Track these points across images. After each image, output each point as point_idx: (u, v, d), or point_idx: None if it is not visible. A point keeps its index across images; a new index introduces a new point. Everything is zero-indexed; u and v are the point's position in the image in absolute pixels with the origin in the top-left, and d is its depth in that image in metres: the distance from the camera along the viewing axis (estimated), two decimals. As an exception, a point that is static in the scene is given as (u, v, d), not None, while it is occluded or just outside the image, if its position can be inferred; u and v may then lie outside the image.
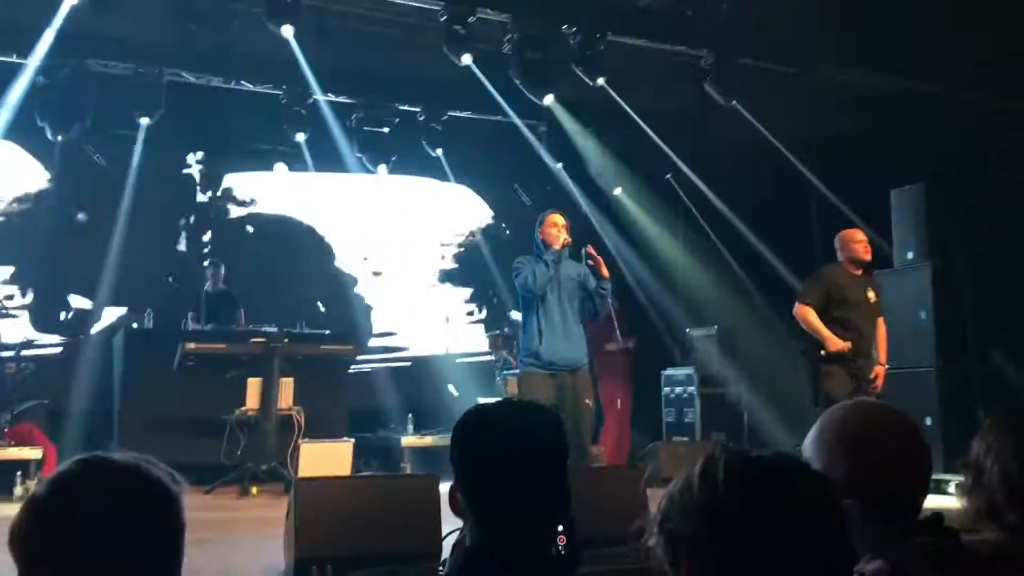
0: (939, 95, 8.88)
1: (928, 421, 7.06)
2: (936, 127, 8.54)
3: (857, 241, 6.10)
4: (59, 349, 9.19)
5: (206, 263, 9.40)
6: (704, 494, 1.16)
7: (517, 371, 5.67)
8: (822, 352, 5.89)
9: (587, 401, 5.62)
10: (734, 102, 8.92)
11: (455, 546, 1.96)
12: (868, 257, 6.09)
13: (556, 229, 5.60)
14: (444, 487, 4.42)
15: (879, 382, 5.91)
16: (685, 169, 10.17)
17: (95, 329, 9.50)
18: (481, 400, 8.43)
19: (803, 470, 1.19)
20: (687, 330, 9.91)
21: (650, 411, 9.45)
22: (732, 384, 9.06)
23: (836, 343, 5.81)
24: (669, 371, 9.48)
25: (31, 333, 8.37)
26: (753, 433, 8.68)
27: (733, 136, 9.43)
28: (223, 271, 9.14)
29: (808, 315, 5.96)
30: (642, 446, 8.73)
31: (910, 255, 7.65)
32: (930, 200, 7.64)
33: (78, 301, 9.52)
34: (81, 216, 9.42)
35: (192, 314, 8.97)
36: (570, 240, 5.62)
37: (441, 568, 3.85)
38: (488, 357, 10.00)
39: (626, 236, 10.38)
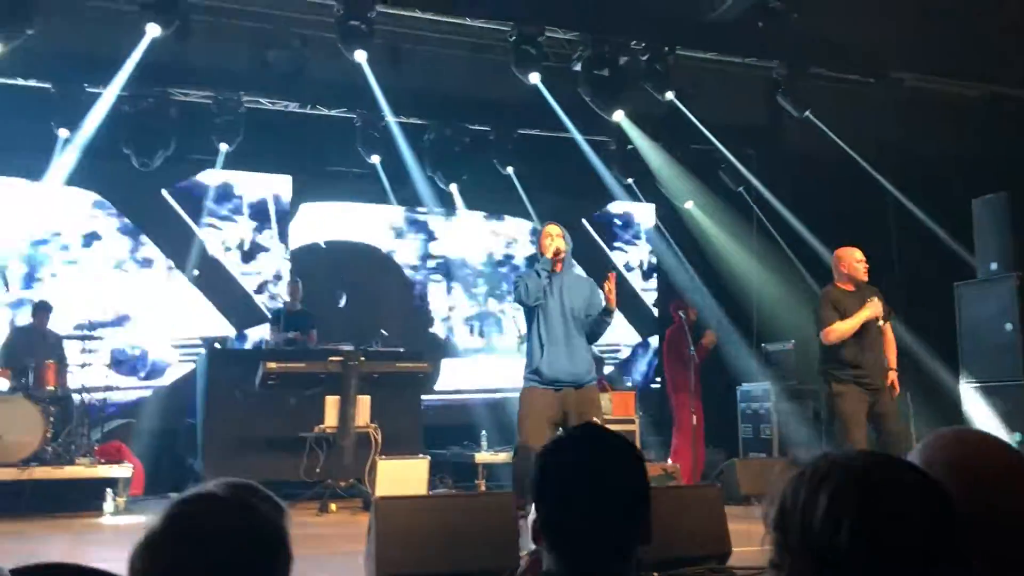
0: (1022, 101, 8.65)
1: (1017, 436, 6.83)
2: (1019, 133, 8.30)
3: (858, 260, 6.08)
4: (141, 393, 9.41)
5: (287, 280, 9.60)
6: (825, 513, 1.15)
7: (526, 383, 5.32)
8: (833, 372, 5.90)
9: (595, 419, 5.24)
10: (807, 113, 8.81)
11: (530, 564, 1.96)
12: (866, 278, 6.07)
13: (549, 239, 5.40)
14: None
15: (896, 388, 5.91)
16: (755, 182, 10.08)
17: (173, 377, 9.73)
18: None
19: (923, 478, 1.19)
20: (763, 345, 9.78)
21: (726, 427, 9.35)
22: (810, 399, 8.91)
23: (871, 309, 5.79)
24: (745, 386, 9.36)
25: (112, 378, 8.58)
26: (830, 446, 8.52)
27: (807, 147, 9.31)
28: (301, 289, 9.34)
29: (837, 326, 5.86)
30: (718, 463, 8.62)
31: (994, 266, 7.43)
32: (1014, 209, 7.42)
33: (155, 345, 9.75)
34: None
35: (272, 328, 9.18)
36: (563, 249, 5.36)
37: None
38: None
39: (698, 249, 10.31)
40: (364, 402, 7.73)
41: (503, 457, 9.12)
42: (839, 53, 8.93)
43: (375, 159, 9.68)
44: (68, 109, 8.48)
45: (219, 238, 10.15)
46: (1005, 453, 1.61)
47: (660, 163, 10.21)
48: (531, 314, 5.39)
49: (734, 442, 9.31)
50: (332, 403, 7.64)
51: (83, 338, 8.04)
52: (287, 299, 9.35)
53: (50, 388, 7.71)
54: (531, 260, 5.53)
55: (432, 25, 8.69)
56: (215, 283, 10.03)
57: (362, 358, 7.78)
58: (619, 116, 9.10)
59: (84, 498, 7.32)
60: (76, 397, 7.90)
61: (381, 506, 4.20)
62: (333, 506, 7.35)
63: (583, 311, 5.40)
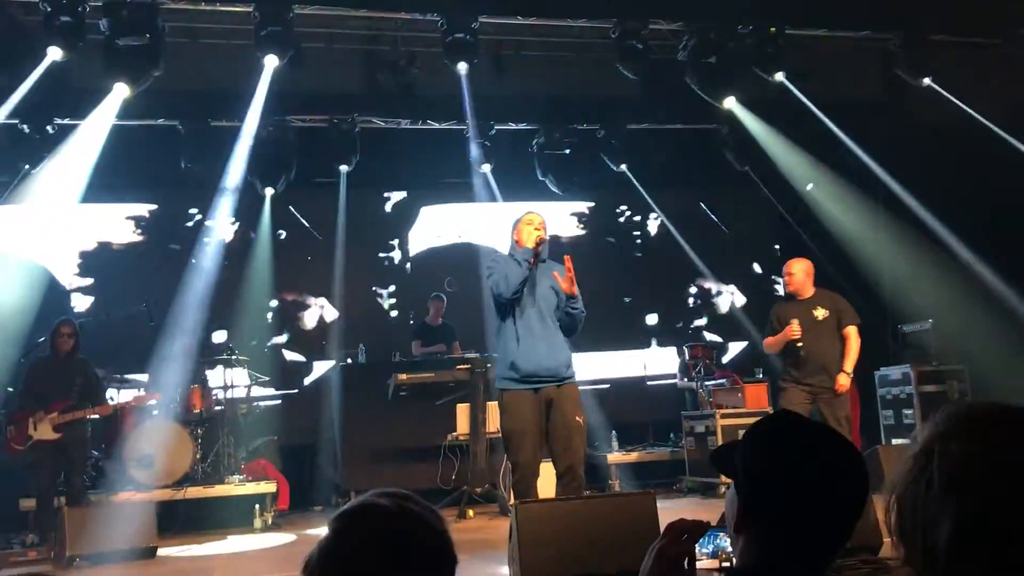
0: None
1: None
2: None
3: (785, 275, 6.81)
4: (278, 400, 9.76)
5: (432, 296, 9.77)
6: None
7: (502, 385, 5.03)
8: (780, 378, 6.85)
9: (577, 418, 5.02)
10: (928, 81, 8.44)
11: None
12: (789, 289, 6.77)
13: (531, 228, 5.06)
14: (661, 504, 4.45)
15: (840, 385, 6.42)
16: (877, 160, 9.69)
17: (308, 381, 10.06)
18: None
19: None
20: (900, 326, 9.39)
21: (866, 413, 9.01)
22: (954, 379, 8.51)
23: (788, 332, 6.44)
24: (883, 370, 9.00)
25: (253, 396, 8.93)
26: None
27: (932, 118, 8.90)
28: (444, 304, 9.52)
29: (768, 342, 6.76)
30: (861, 451, 8.32)
31: None
32: None
33: (292, 362, 10.11)
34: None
35: (416, 344, 9.36)
36: (546, 240, 5.07)
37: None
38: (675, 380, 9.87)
39: (824, 231, 9.97)
40: (493, 408, 7.80)
41: (635, 456, 9.08)
42: (957, 16, 8.51)
43: (486, 168, 9.77)
44: (195, 144, 8.87)
45: (343, 256, 10.43)
46: None
47: (776, 148, 9.93)
48: (506, 307, 5.04)
49: (876, 429, 8.96)
50: (463, 411, 7.77)
51: (224, 362, 8.39)
52: (431, 315, 9.54)
53: (196, 410, 8.10)
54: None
55: (533, 29, 8.72)
56: (339, 298, 10.33)
57: (488, 365, 7.86)
58: (730, 103, 8.91)
59: (234, 515, 7.66)
60: (221, 418, 8.26)
61: (522, 511, 4.23)
62: (471, 512, 7.46)
63: (560, 302, 5.10)
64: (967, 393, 8.50)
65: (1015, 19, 8.44)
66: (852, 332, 6.56)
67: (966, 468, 0.90)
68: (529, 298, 5.00)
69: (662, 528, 4.38)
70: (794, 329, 6.41)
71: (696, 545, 1.75)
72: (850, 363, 6.50)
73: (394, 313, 10.39)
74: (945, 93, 8.48)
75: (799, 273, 6.70)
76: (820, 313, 6.57)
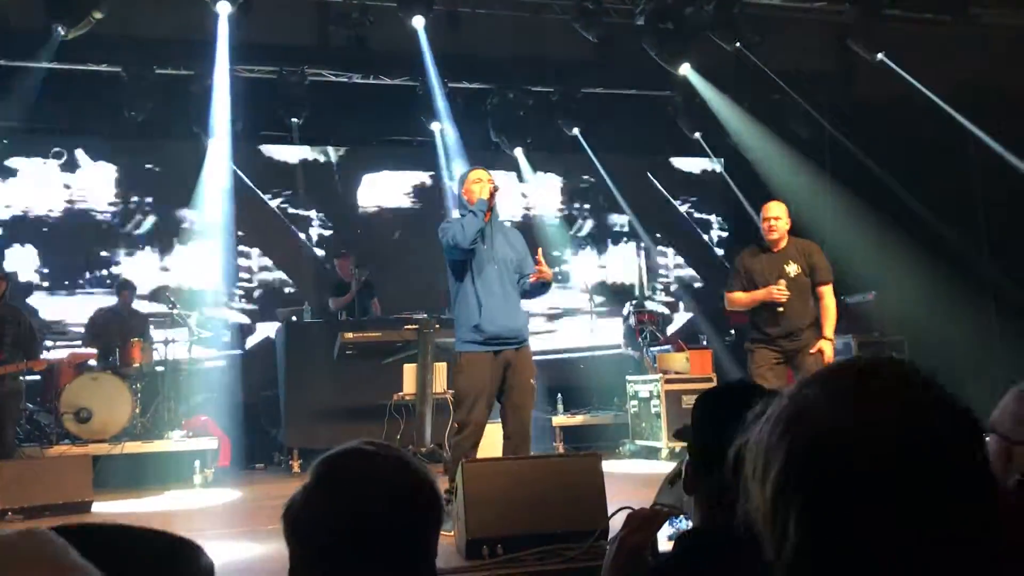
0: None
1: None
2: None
3: (763, 219, 5.83)
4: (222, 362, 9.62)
5: (339, 253, 9.67)
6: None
7: (463, 347, 4.92)
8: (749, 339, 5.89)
9: (532, 381, 5.03)
10: (881, 56, 8.51)
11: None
12: (772, 236, 5.76)
13: (480, 183, 4.93)
14: (605, 465, 4.46)
15: (825, 356, 5.58)
16: (828, 130, 9.79)
17: (251, 343, 9.91)
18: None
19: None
20: (842, 297, 9.53)
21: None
22: (895, 351, 8.68)
23: (772, 292, 5.62)
24: (824, 340, 9.13)
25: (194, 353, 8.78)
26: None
27: (881, 92, 9.00)
28: (351, 261, 9.37)
29: (733, 297, 5.90)
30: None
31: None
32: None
33: (234, 316, 9.94)
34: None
35: (334, 302, 9.25)
36: (499, 187, 4.97)
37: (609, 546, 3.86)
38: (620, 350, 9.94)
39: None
40: (440, 369, 7.77)
41: (579, 420, 9.14)
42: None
43: (436, 127, 9.64)
44: (138, 92, 8.60)
45: (286, 208, 10.27)
46: None
47: (728, 115, 9.98)
48: (462, 265, 4.94)
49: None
50: (409, 371, 7.70)
51: (167, 315, 8.22)
52: (340, 273, 9.41)
53: (136, 365, 7.92)
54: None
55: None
56: (285, 251, 10.18)
57: (437, 326, 7.80)
58: (685, 69, 8.90)
59: (173, 471, 7.54)
60: (161, 371, 8.10)
61: (467, 470, 4.21)
62: (415, 472, 7.44)
63: (517, 265, 5.05)
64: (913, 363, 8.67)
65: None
66: (828, 291, 5.79)
67: (805, 406, 0.87)
68: (488, 256, 4.92)
69: (608, 489, 4.39)
70: (780, 290, 5.62)
71: (657, 532, 1.77)
72: (830, 327, 5.73)
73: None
74: (896, 68, 8.56)
75: (784, 218, 5.80)
76: (793, 268, 5.73)
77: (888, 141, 9.10)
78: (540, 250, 5.00)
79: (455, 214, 5.24)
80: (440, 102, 9.43)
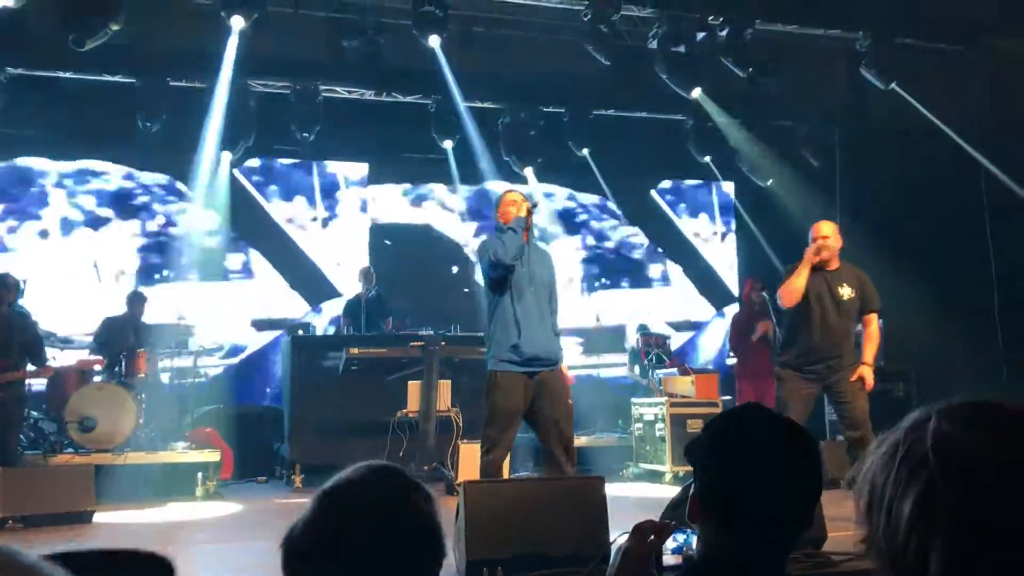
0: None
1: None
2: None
3: (813, 238, 5.60)
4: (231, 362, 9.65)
5: (360, 269, 9.68)
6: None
7: (498, 367, 4.98)
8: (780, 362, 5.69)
9: (568, 401, 5.11)
10: (894, 85, 8.53)
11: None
12: (825, 256, 5.51)
13: (515, 206, 5.00)
14: (609, 488, 4.44)
15: (867, 383, 5.43)
16: (839, 159, 9.80)
17: (260, 364, 9.92)
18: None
19: None
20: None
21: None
22: (899, 378, 8.65)
23: (810, 252, 5.44)
24: (830, 367, 9.10)
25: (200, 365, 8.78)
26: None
27: (893, 121, 9.01)
28: (374, 275, 9.40)
29: (784, 285, 5.53)
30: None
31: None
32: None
33: (242, 332, 9.97)
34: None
35: (344, 321, 9.26)
36: (536, 204, 5.09)
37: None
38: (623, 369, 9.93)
39: (780, 227, 10.06)
40: (445, 386, 7.77)
41: (582, 441, 9.09)
42: (926, 22, 8.61)
43: (448, 144, 9.68)
44: (152, 103, 8.65)
45: (295, 218, 10.32)
46: None
47: (739, 140, 10.00)
48: (501, 285, 4.98)
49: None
50: (414, 388, 7.70)
51: (175, 327, 8.24)
52: (360, 286, 9.40)
53: (141, 375, 7.93)
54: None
55: (505, 7, 8.64)
56: (288, 260, 10.21)
57: (443, 343, 7.81)
58: (697, 93, 8.93)
59: (176, 482, 7.52)
60: (165, 381, 8.11)
61: (470, 490, 4.19)
62: (417, 490, 7.41)
63: (551, 285, 5.15)
64: (912, 394, 8.64)
65: (976, 28, 8.55)
66: (874, 319, 5.64)
67: (946, 446, 0.89)
68: (526, 278, 4.98)
69: (610, 513, 4.38)
70: (813, 249, 5.43)
71: (663, 545, 1.76)
72: (871, 353, 5.57)
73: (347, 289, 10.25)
74: (908, 97, 8.57)
75: (835, 237, 5.57)
76: (847, 291, 5.50)
77: (898, 170, 9.10)
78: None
79: (484, 236, 5.36)
80: (463, 120, 9.48)
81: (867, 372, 5.47)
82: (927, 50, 8.73)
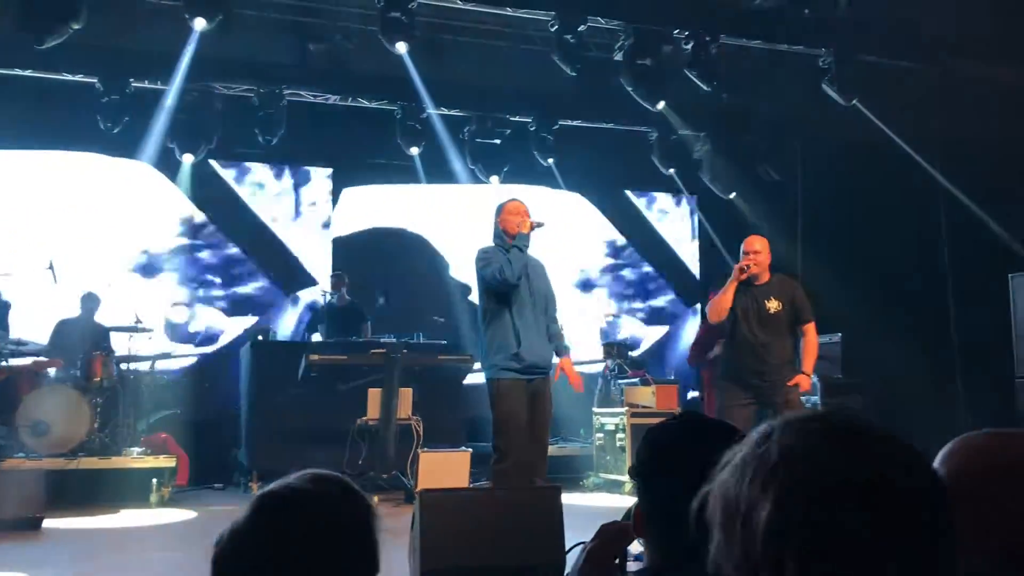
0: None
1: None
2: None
3: (744, 252, 5.73)
4: (191, 361, 9.56)
5: (330, 275, 9.62)
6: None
7: (500, 375, 5.17)
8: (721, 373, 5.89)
9: (551, 410, 5.40)
10: (855, 101, 8.65)
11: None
12: (755, 271, 5.63)
13: (519, 217, 5.18)
14: (567, 499, 4.44)
15: (801, 388, 5.56)
16: (800, 173, 9.91)
17: (223, 342, 9.85)
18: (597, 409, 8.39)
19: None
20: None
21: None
22: (858, 393, 8.75)
23: (735, 272, 5.58)
24: (790, 380, 9.19)
25: (166, 346, 8.72)
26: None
27: (853, 136, 9.13)
28: (347, 281, 9.34)
29: (712, 304, 5.80)
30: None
31: (1050, 257, 7.24)
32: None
33: (208, 314, 9.89)
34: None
35: (311, 328, 9.19)
36: (537, 223, 5.22)
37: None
38: (598, 366, 9.90)
39: (742, 240, 10.15)
40: (406, 394, 7.73)
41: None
42: (888, 40, 8.74)
43: (414, 151, 9.66)
44: (113, 104, 8.55)
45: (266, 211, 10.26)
46: None
47: (703, 153, 10.09)
48: (502, 296, 5.16)
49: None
50: (375, 396, 7.65)
51: (131, 330, 8.12)
52: (331, 292, 9.34)
53: (97, 379, 7.80)
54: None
55: (472, 16, 8.64)
56: (263, 249, 10.18)
57: (404, 350, 7.77)
58: (662, 106, 8.99)
59: (131, 488, 7.40)
60: (123, 388, 7.98)
61: (425, 499, 4.17)
62: (376, 498, 7.36)
63: (547, 295, 5.37)
64: (868, 406, 8.74)
65: (937, 47, 8.70)
66: (811, 328, 5.71)
67: (784, 455, 0.93)
68: (526, 289, 5.17)
69: (569, 523, 4.37)
70: (738, 267, 5.56)
71: (627, 548, 1.75)
72: (810, 363, 5.66)
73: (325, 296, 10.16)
74: (869, 114, 8.70)
75: (764, 252, 5.71)
76: (774, 304, 5.63)
77: (858, 185, 9.23)
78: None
79: (490, 243, 5.44)
80: (431, 126, 9.46)
81: (804, 380, 5.59)
82: (888, 67, 8.86)
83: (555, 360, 5.46)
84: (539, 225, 5.20)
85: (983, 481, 1.50)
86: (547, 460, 5.40)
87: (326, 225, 10.50)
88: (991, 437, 1.57)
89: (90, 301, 8.42)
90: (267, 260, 10.20)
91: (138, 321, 8.20)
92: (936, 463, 1.56)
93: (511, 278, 5.04)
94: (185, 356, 9.46)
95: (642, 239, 11.57)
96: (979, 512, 1.48)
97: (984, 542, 1.46)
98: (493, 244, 5.34)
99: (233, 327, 9.93)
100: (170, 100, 8.47)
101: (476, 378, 9.64)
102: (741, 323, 5.63)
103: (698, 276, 11.70)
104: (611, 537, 1.73)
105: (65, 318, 8.41)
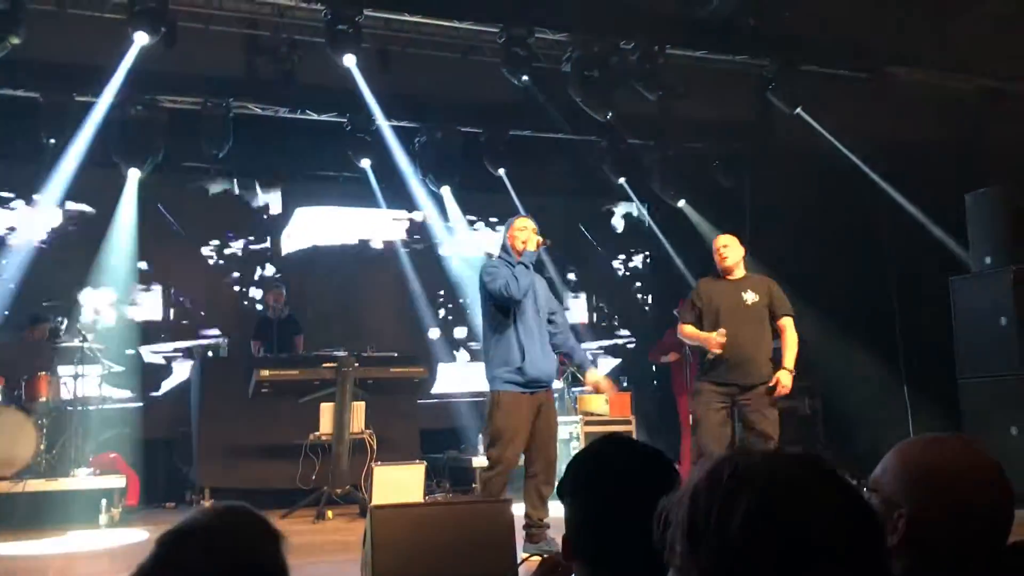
0: (1014, 93, 8.65)
1: (1014, 431, 6.82)
2: (1010, 127, 8.30)
3: (715, 249, 5.91)
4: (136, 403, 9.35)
5: (268, 287, 9.56)
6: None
7: (502, 387, 5.25)
8: (699, 374, 5.81)
9: (556, 420, 5.48)
10: (799, 110, 8.80)
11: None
12: (724, 264, 5.80)
13: (527, 233, 5.32)
14: (516, 509, 4.46)
15: (783, 386, 5.56)
16: (747, 179, 10.06)
17: (168, 387, 9.63)
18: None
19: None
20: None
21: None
22: (806, 396, 8.88)
23: (712, 340, 5.54)
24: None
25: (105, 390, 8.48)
26: (829, 448, 8.48)
27: (798, 144, 9.29)
28: (285, 294, 9.28)
29: (684, 330, 5.84)
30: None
31: (988, 260, 7.42)
32: (1006, 203, 7.39)
33: (149, 355, 9.68)
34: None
35: (255, 343, 9.10)
36: (549, 243, 5.45)
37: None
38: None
39: (692, 248, 10.27)
40: (359, 408, 7.70)
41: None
42: (830, 49, 8.91)
43: (365, 163, 9.63)
44: (57, 119, 8.40)
45: (211, 245, 10.11)
46: (976, 455, 1.59)
47: (652, 162, 10.20)
48: (506, 311, 5.25)
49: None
50: (327, 410, 7.61)
51: (77, 349, 7.97)
52: (271, 305, 9.28)
53: (43, 399, 7.66)
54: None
55: (421, 28, 8.64)
56: (202, 290, 10.00)
57: (356, 364, 7.74)
58: (609, 116, 9.06)
59: (79, 510, 7.26)
60: (70, 408, 7.83)
61: (376, 515, 4.16)
62: (330, 513, 7.32)
63: (551, 309, 5.48)
64: (818, 410, 8.89)
65: (878, 57, 8.88)
66: (790, 324, 5.74)
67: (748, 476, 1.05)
68: (530, 304, 5.27)
69: (517, 534, 4.40)
70: (716, 341, 5.52)
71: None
72: (791, 358, 5.65)
73: (260, 307, 10.08)
74: (812, 121, 8.86)
75: (734, 246, 5.82)
76: (750, 297, 5.68)
77: (805, 192, 9.38)
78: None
79: (493, 257, 5.63)
80: (385, 138, 9.43)
81: (784, 376, 5.57)
82: (830, 76, 9.03)
83: (555, 375, 5.57)
84: (547, 243, 5.38)
85: (913, 486, 1.58)
86: (555, 471, 5.33)
87: (275, 241, 10.40)
88: (925, 444, 1.66)
89: (36, 321, 8.25)
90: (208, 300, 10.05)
91: (84, 340, 8.04)
92: (876, 471, 1.64)
93: (516, 294, 5.13)
94: (127, 401, 9.24)
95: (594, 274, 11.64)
96: (910, 515, 1.55)
97: (911, 544, 1.53)
98: (499, 256, 5.45)
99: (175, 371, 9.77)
100: (101, 114, 8.29)
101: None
102: (726, 317, 5.63)
103: (649, 303, 11.81)
104: (551, 571, 1.75)
105: (6, 340, 8.24)
